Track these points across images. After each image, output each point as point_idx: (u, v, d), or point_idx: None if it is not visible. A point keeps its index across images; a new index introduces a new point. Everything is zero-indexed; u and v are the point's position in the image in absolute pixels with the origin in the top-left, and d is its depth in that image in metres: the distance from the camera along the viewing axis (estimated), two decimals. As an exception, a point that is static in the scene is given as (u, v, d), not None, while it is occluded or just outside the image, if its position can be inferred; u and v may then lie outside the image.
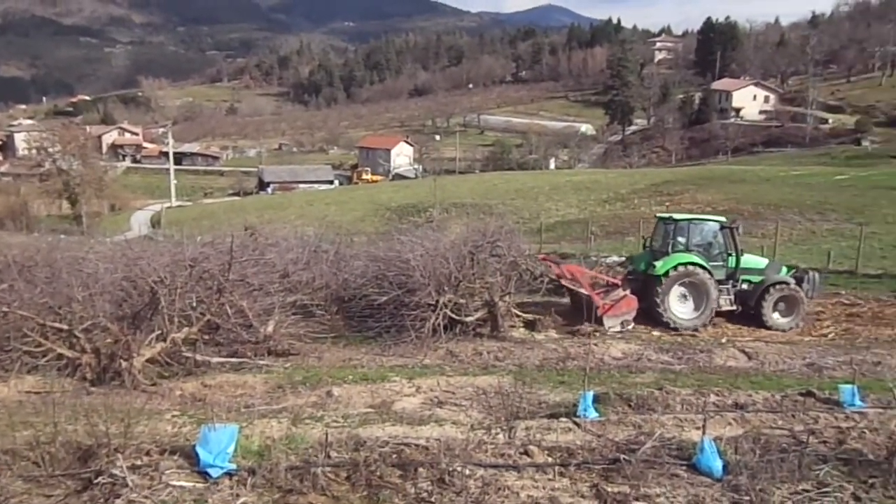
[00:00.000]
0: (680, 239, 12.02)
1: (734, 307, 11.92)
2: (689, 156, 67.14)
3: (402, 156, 79.38)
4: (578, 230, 23.53)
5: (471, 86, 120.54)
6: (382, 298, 10.30)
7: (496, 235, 11.77)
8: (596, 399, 6.59)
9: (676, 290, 11.60)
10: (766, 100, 75.87)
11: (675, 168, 53.55)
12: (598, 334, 10.76)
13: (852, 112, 67.93)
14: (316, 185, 67.17)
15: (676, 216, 12.22)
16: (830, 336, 11.14)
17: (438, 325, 10.03)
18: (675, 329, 11.05)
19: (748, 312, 11.83)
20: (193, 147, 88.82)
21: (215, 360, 8.11)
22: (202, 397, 7.13)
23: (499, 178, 49.39)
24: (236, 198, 63.93)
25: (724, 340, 10.70)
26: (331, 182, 70.59)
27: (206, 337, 8.35)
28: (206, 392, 7.27)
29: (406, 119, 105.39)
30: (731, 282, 12.07)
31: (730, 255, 12.11)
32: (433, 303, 10.03)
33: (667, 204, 28.50)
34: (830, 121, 66.55)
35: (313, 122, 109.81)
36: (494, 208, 32.96)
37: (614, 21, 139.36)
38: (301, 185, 67.47)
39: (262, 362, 8.63)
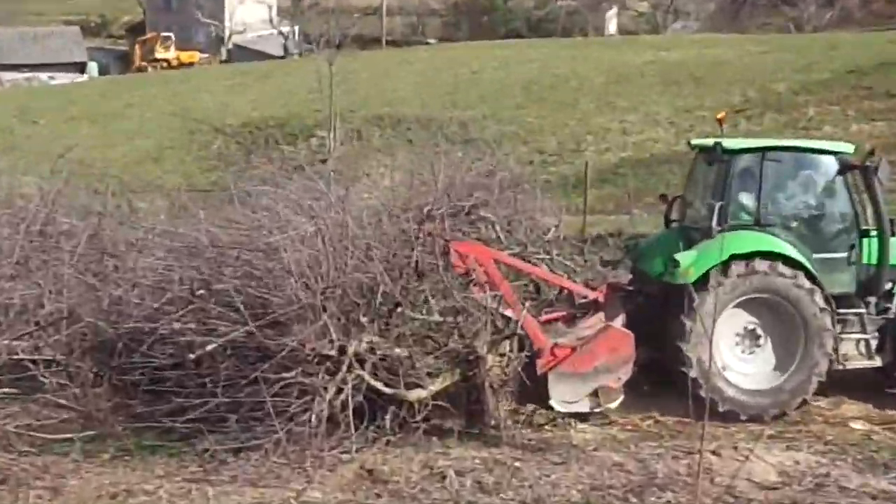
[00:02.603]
0: (743, 198, 8.63)
1: (876, 359, 8.38)
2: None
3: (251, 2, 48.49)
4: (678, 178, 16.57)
5: None
6: (211, 345, 7.23)
7: (479, 195, 9.80)
8: None
9: (732, 322, 8.26)
10: None
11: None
12: (724, 428, 8.04)
13: None
14: (49, 76, 41.48)
15: (733, 143, 8.84)
16: None
17: (344, 406, 7.17)
18: (730, 414, 8.06)
19: None
20: None
21: None
22: None
23: (488, 54, 32.43)
24: None
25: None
26: (82, 70, 43.60)
27: None
28: None
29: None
30: (869, 300, 8.47)
31: (865, 235, 8.46)
32: (330, 354, 7.25)
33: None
34: None
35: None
36: (477, 130, 23.05)
37: None
38: (15, 77, 40.93)
39: None
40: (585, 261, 11.33)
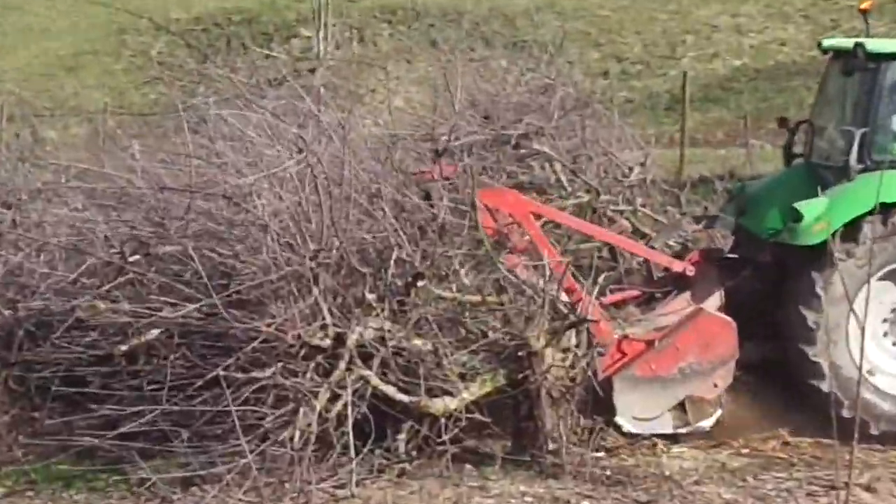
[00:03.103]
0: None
1: None
2: None
3: None
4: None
5: None
6: (151, 331, 7.61)
7: (531, 120, 10.37)
8: None
9: (879, 302, 8.56)
10: None
11: None
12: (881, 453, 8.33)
13: None
14: None
15: (881, 45, 9.16)
16: None
17: (340, 419, 7.19)
18: (887, 435, 8.37)
19: None
20: None
21: None
22: None
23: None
24: None
25: None
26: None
27: None
28: None
29: None
30: None
31: None
32: (323, 345, 7.25)
33: None
34: None
35: None
36: (529, 28, 24.14)
37: None
38: None
39: None
40: (683, 213, 11.54)
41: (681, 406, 8.44)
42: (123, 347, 7.61)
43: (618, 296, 9.14)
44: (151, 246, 7.90)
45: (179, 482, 7.40)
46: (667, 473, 7.87)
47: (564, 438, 7.79)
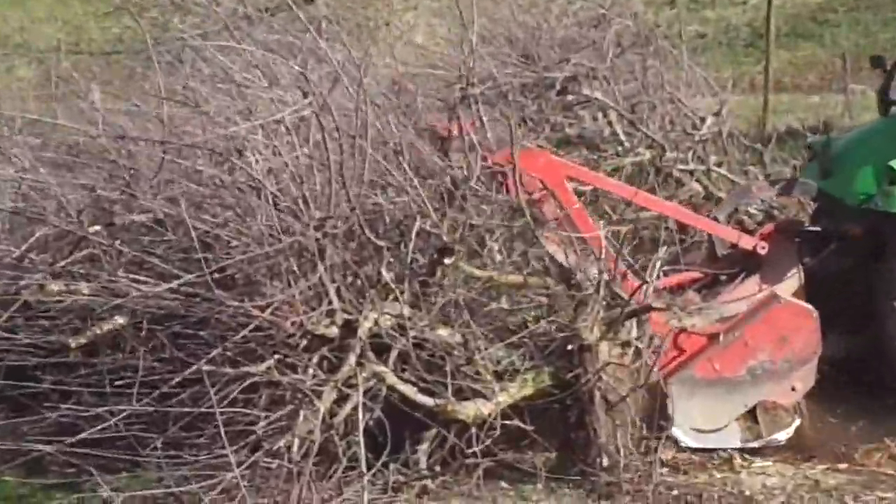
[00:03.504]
0: None
1: None
2: None
3: None
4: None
5: None
6: (115, 318, 7.86)
7: (580, 60, 11.00)
8: None
9: None
10: None
11: None
12: None
13: None
14: None
15: None
16: None
17: (349, 426, 7.21)
18: None
19: None
20: None
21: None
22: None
23: None
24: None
25: None
26: None
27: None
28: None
29: None
30: None
31: None
32: (329, 334, 7.28)
33: None
34: None
35: None
36: None
37: None
38: None
39: None
40: (768, 175, 11.36)
41: (751, 414, 8.40)
42: (79, 340, 7.73)
43: (673, 278, 8.99)
44: (116, 213, 7.85)
45: (150, 502, 7.63)
46: (747, 493, 7.81)
47: (622, 451, 7.78)
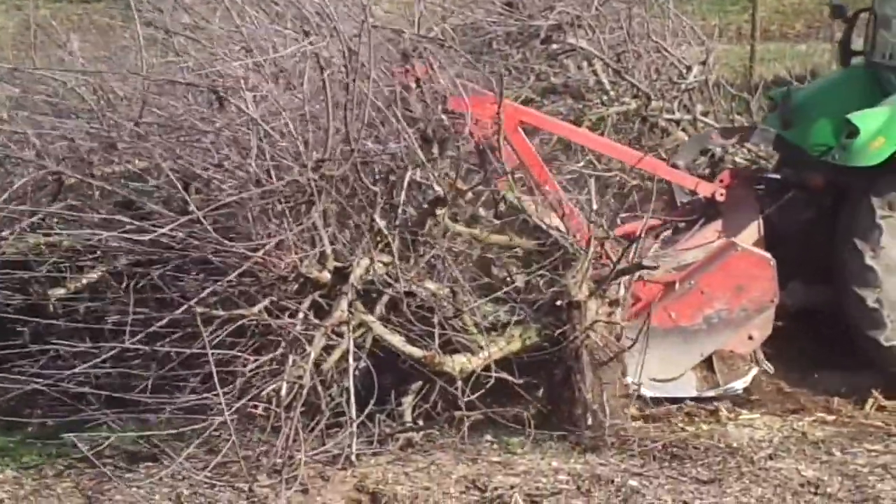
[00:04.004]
0: None
1: None
2: None
3: None
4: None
5: None
6: (92, 272, 8.02)
7: (564, 7, 11.02)
8: None
9: None
10: None
11: None
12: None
13: None
14: None
15: None
16: None
17: (334, 376, 7.45)
18: None
19: None
20: None
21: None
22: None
23: None
24: None
25: None
26: None
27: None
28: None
29: None
30: None
31: None
32: (322, 279, 7.44)
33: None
34: None
35: None
36: None
37: None
38: None
39: None
40: (755, 125, 11.25)
41: (708, 363, 8.49)
42: (60, 291, 7.74)
43: (630, 225, 8.87)
44: (95, 162, 7.82)
45: (125, 457, 7.56)
46: (734, 445, 7.83)
47: (607, 408, 7.79)
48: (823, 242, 8.80)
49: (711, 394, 8.35)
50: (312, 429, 7.30)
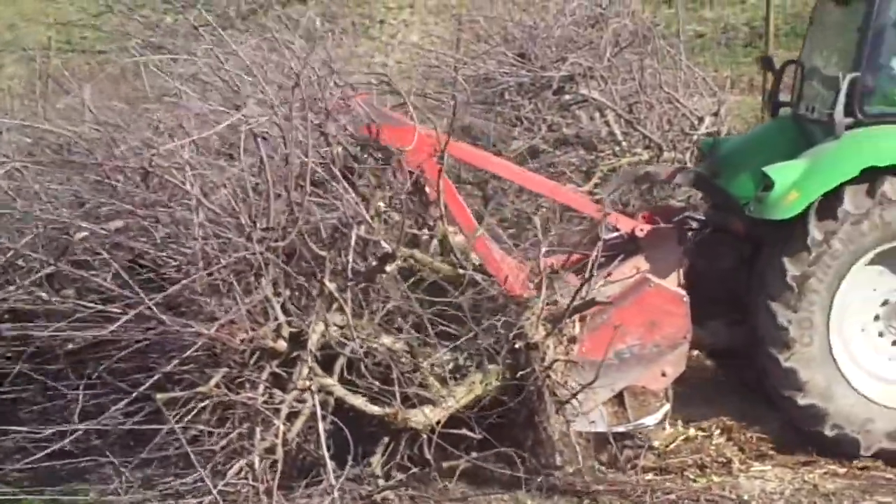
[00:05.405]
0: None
1: None
2: None
3: None
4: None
5: None
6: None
7: (578, 58, 11.08)
8: None
9: (867, 289, 8.63)
10: None
11: None
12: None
13: None
14: None
15: None
16: None
17: (301, 441, 7.65)
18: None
19: None
20: None
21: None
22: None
23: None
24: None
25: None
26: None
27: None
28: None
29: None
30: None
31: None
32: (278, 348, 7.55)
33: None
34: None
35: None
36: None
37: None
38: None
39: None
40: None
41: (619, 399, 8.44)
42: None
43: (551, 259, 8.60)
44: (70, 229, 7.47)
45: None
46: (745, 498, 7.82)
47: (581, 450, 7.73)
48: (744, 285, 8.78)
49: (622, 429, 8.32)
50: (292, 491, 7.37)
